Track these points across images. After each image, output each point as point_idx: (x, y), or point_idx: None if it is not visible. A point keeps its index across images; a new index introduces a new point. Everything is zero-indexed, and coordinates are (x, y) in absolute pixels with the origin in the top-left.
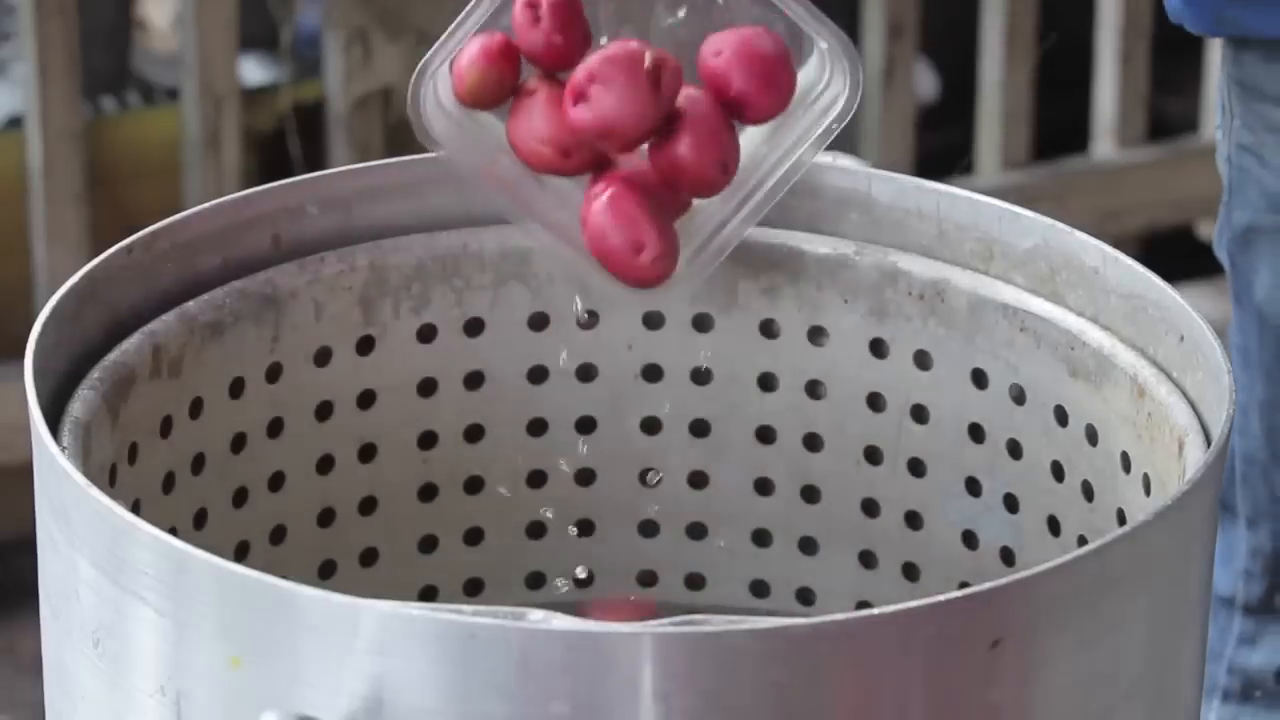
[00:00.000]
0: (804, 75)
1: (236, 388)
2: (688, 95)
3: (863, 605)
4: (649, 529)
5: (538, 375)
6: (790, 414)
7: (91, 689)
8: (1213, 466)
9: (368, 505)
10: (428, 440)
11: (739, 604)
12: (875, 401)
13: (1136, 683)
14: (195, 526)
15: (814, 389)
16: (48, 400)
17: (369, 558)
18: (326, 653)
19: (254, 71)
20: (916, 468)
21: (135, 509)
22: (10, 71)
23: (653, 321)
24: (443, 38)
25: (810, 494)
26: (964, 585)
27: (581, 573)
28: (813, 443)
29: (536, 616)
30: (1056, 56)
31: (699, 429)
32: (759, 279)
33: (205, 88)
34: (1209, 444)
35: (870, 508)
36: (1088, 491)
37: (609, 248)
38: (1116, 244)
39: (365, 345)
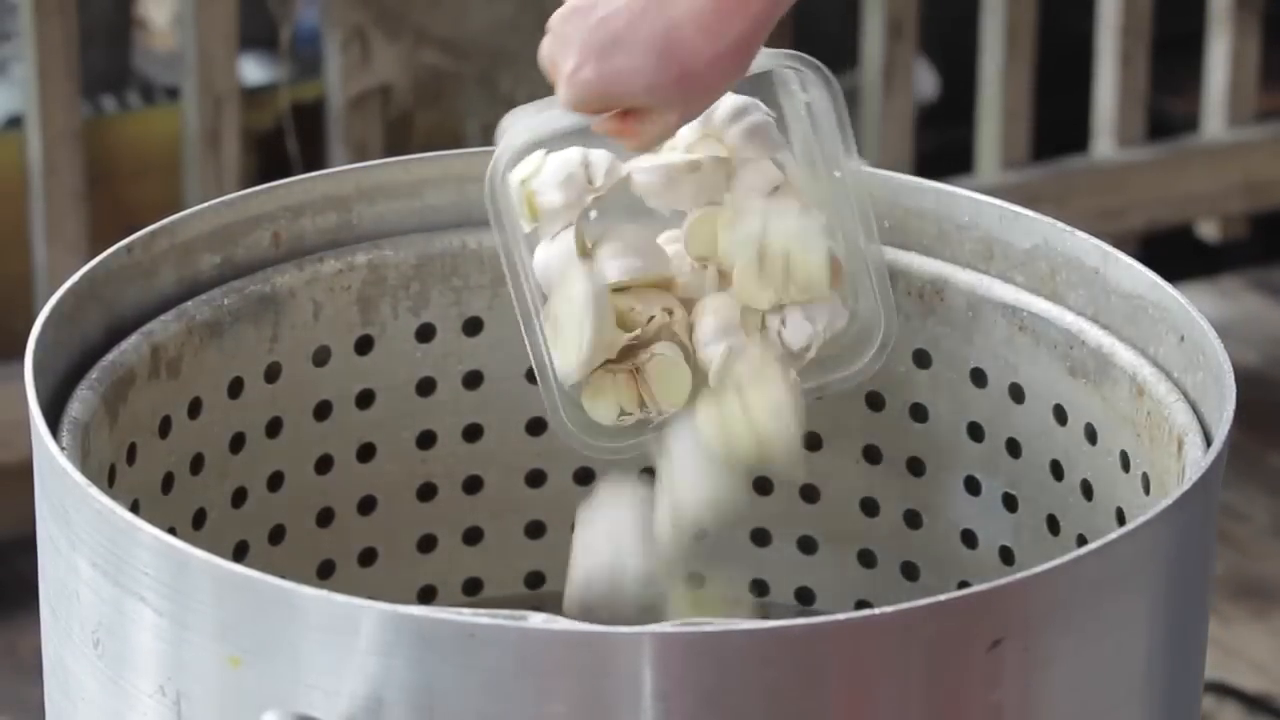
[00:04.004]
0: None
1: (235, 387)
2: None
3: (862, 605)
4: None
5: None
6: None
7: (91, 689)
8: (1212, 466)
9: (366, 505)
10: (426, 440)
11: (739, 604)
12: (874, 400)
13: (1136, 683)
14: (194, 526)
15: None
16: (48, 400)
17: (368, 557)
18: (326, 653)
19: (253, 71)
20: (915, 467)
21: (134, 509)
22: (10, 71)
23: None
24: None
25: (809, 493)
26: (964, 585)
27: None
28: (812, 442)
29: (538, 619)
30: (1056, 56)
31: None
32: None
33: (205, 87)
34: (1208, 444)
35: (869, 507)
36: (1087, 491)
37: None
38: (1116, 244)
39: (364, 345)
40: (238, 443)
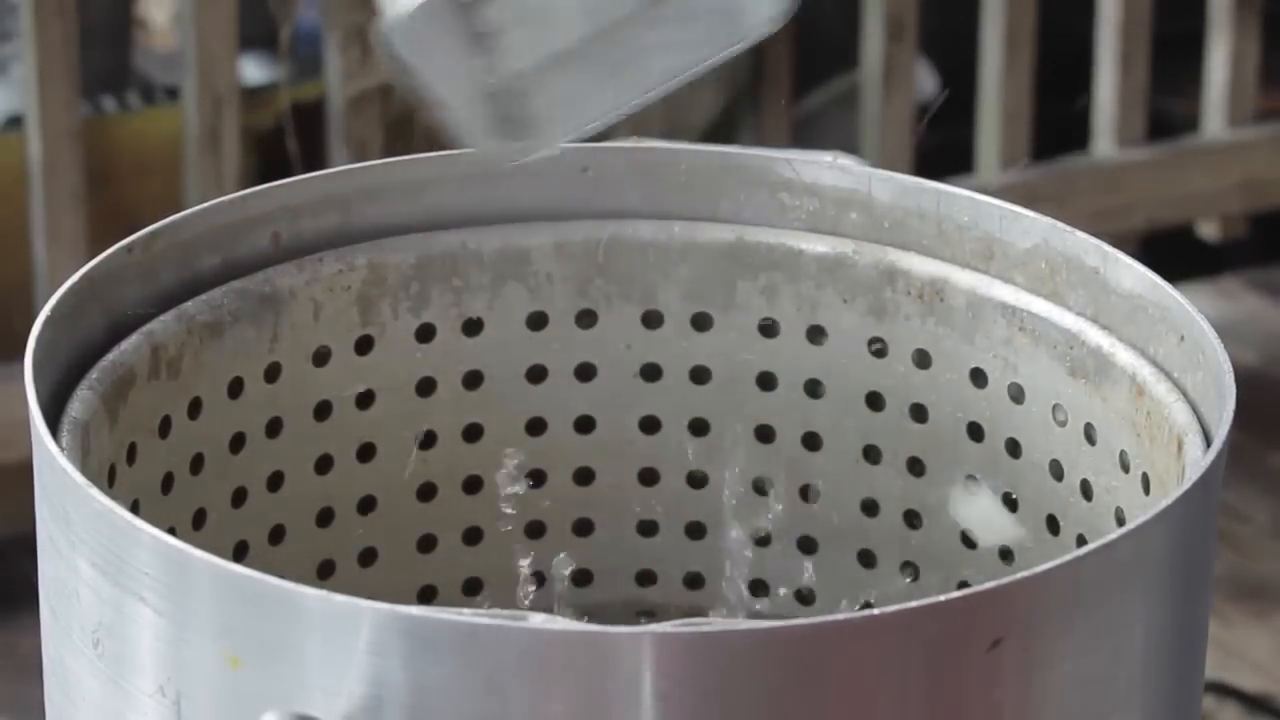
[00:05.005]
0: None
1: (235, 388)
2: None
3: (863, 605)
4: (648, 528)
5: (536, 375)
6: (789, 413)
7: (91, 689)
8: (1212, 466)
9: (366, 505)
10: (426, 440)
11: (739, 604)
12: (874, 400)
13: (1136, 683)
14: (194, 526)
15: (813, 388)
16: (47, 400)
17: (368, 557)
18: (326, 653)
19: (253, 71)
20: (916, 467)
21: (134, 509)
22: (10, 71)
23: (651, 320)
24: None
25: (809, 493)
26: (964, 585)
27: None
28: (812, 442)
29: (538, 618)
30: (1056, 57)
31: (698, 428)
32: (758, 278)
33: (205, 87)
34: (1208, 444)
35: (870, 507)
36: (1086, 491)
37: None
38: (1116, 244)
39: (364, 345)
40: (238, 443)
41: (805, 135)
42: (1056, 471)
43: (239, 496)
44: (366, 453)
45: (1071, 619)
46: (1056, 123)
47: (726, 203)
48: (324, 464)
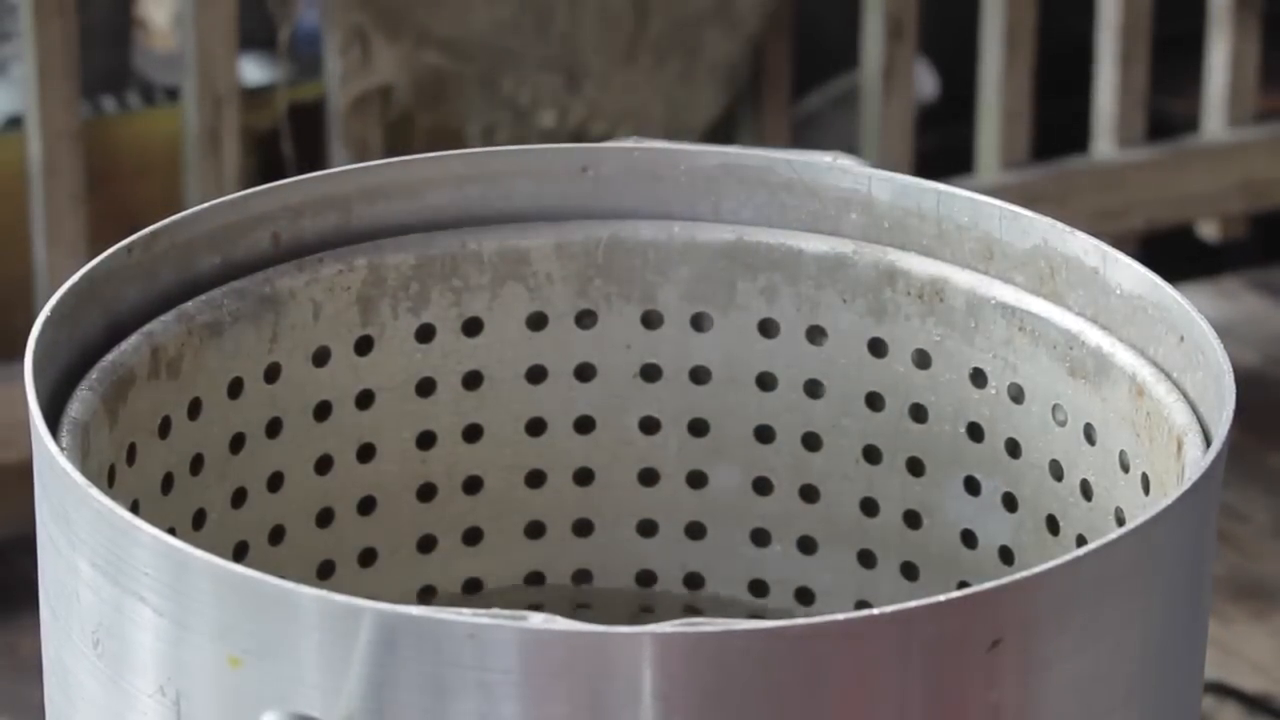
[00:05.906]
0: None
1: (235, 388)
2: None
3: (862, 605)
4: (648, 528)
5: (536, 375)
6: (789, 413)
7: (91, 689)
8: (1212, 466)
9: (366, 505)
10: (426, 440)
11: (739, 604)
12: (874, 401)
13: (1136, 683)
14: (194, 527)
15: (813, 388)
16: (48, 400)
17: (368, 558)
18: (326, 653)
19: (253, 71)
20: (915, 467)
21: (134, 509)
22: (10, 71)
23: (651, 320)
24: None
25: (809, 493)
26: (964, 585)
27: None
28: (811, 442)
29: (538, 618)
30: (1056, 57)
31: (697, 428)
32: (757, 279)
33: (205, 87)
34: (1208, 444)
35: (869, 507)
36: (1086, 491)
37: None
38: (1116, 244)
39: (363, 345)
40: (238, 443)
41: (805, 135)
42: (1056, 471)
43: (239, 497)
44: (366, 453)
45: (1071, 619)
46: (1057, 123)
47: (726, 203)
48: (324, 464)
